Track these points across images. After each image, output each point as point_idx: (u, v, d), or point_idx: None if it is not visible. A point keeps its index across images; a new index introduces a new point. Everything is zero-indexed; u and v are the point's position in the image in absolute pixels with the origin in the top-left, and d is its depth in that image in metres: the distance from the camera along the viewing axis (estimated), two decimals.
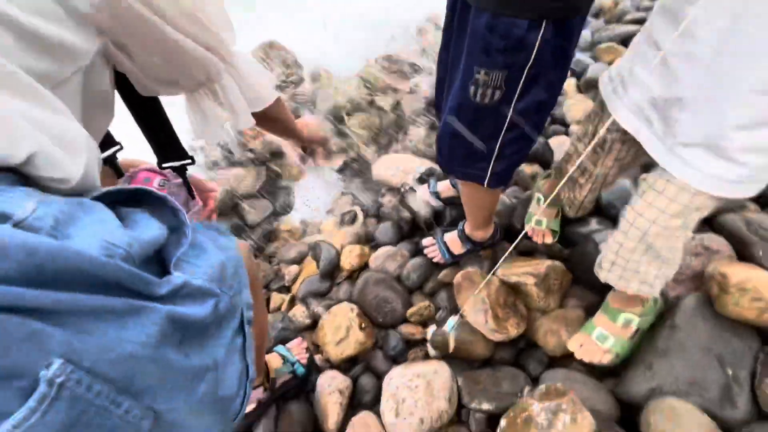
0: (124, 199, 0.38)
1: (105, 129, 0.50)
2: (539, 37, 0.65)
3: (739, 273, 0.74)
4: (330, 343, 1.03)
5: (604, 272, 0.75)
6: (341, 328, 1.04)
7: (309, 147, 0.93)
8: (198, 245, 0.40)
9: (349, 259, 1.26)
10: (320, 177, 1.77)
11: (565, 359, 0.88)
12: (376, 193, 1.62)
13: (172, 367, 0.32)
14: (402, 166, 1.57)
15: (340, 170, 1.75)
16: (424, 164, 1.53)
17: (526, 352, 0.95)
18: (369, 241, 1.39)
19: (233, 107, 0.55)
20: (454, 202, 1.29)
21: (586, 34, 1.93)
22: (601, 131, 0.69)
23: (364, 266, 1.27)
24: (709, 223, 0.98)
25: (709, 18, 0.50)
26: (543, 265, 0.96)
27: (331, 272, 1.29)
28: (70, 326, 0.26)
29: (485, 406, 0.83)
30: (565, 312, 0.93)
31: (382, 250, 1.26)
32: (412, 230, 1.33)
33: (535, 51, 0.67)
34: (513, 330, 0.92)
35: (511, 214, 1.21)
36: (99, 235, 0.29)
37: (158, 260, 0.36)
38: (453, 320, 0.88)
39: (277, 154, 1.73)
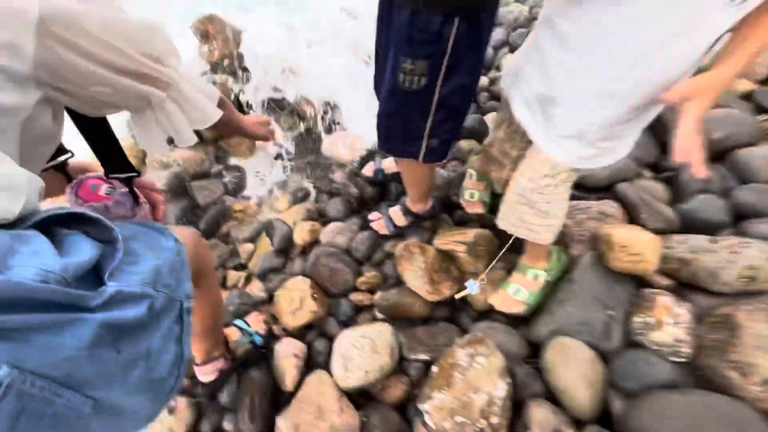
0: (63, 219, 0.43)
1: (51, 153, 0.53)
2: (453, 30, 0.74)
3: (620, 233, 0.90)
4: (286, 313, 1.12)
5: (501, 222, 0.89)
6: (295, 300, 1.13)
7: (256, 140, 0.97)
8: (133, 253, 0.46)
9: (301, 235, 1.33)
10: (270, 154, 1.78)
11: (491, 313, 1.03)
12: (327, 169, 1.68)
13: (105, 362, 0.40)
14: (351, 143, 1.63)
15: (291, 147, 1.77)
16: (370, 141, 1.60)
17: (459, 309, 1.09)
18: (321, 216, 1.47)
19: (175, 128, 0.58)
20: (398, 178, 1.38)
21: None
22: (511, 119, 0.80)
23: (316, 241, 1.34)
24: (609, 190, 1.15)
25: (572, 32, 0.60)
26: (471, 233, 1.09)
27: (285, 248, 1.36)
28: (14, 340, 0.34)
29: (422, 357, 0.97)
30: (491, 273, 1.08)
31: (333, 225, 1.34)
32: (360, 205, 1.42)
33: (451, 42, 0.75)
34: (447, 291, 1.06)
35: (449, 187, 1.33)
36: (35, 264, 0.35)
37: (96, 274, 0.42)
38: (474, 283, 0.99)
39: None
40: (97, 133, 0.55)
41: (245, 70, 1.81)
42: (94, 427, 0.40)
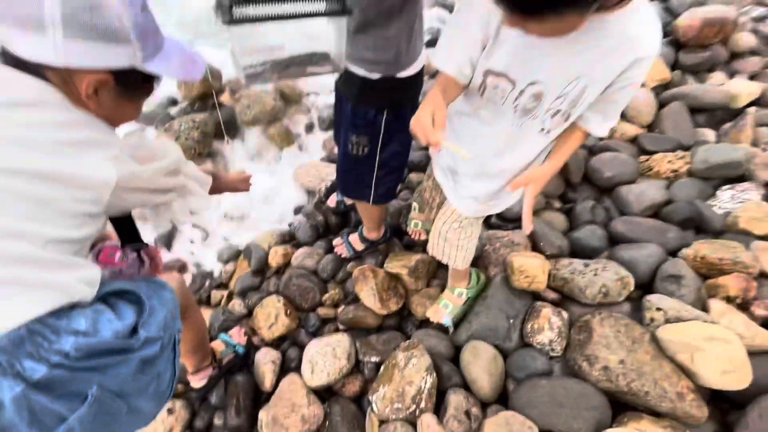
0: (115, 292, 0.67)
1: None
2: (384, 118, 1.01)
3: (519, 260, 1.19)
4: (263, 327, 1.36)
5: (430, 250, 1.16)
6: (271, 316, 1.37)
7: (240, 190, 1.19)
8: (152, 310, 0.70)
9: (275, 258, 1.57)
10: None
11: (428, 322, 1.31)
12: (295, 195, 1.91)
13: (138, 381, 0.65)
14: (318, 173, 1.87)
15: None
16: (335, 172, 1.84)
17: (404, 319, 1.37)
18: (292, 238, 1.70)
19: (180, 211, 0.82)
20: (356, 208, 1.64)
21: None
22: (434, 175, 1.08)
23: (288, 263, 1.58)
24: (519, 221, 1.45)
25: (461, 129, 0.88)
26: (413, 259, 1.36)
27: (262, 269, 1.59)
28: (100, 372, 0.59)
29: (374, 359, 1.23)
30: (428, 290, 1.36)
31: (302, 250, 1.58)
32: (325, 231, 1.67)
33: (383, 126, 1.02)
34: (394, 306, 1.33)
35: (400, 216, 1.60)
36: (110, 328, 0.60)
37: (134, 327, 0.66)
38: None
39: (203, 162, 1.91)
40: (120, 217, 0.78)
41: (221, 105, 2.00)
42: (125, 421, 0.65)
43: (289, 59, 0.72)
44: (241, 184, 1.09)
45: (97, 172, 0.59)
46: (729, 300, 1.13)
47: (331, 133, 2.10)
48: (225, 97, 2.05)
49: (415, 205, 1.49)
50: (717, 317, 1.07)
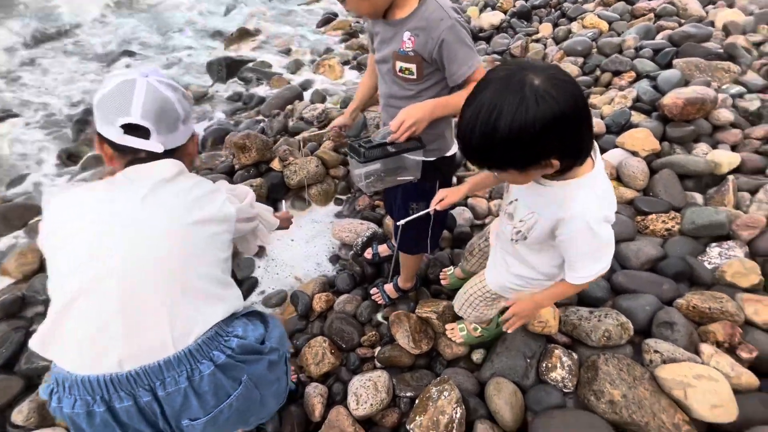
0: (250, 312, 0.94)
1: None
2: (437, 186, 1.28)
3: None
4: (311, 365, 1.57)
5: (456, 310, 1.37)
6: (318, 354, 1.58)
7: (283, 227, 1.50)
8: (272, 327, 0.96)
9: (319, 304, 1.81)
10: (287, 234, 2.28)
11: (455, 361, 1.51)
12: (334, 248, 2.18)
13: (267, 377, 0.91)
14: (354, 229, 2.15)
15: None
16: (369, 228, 2.12)
17: (433, 359, 1.56)
18: (331, 287, 1.95)
19: (261, 238, 1.14)
20: (388, 259, 1.90)
21: None
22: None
23: (330, 307, 1.82)
24: None
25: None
26: (441, 305, 1.59)
27: (306, 314, 1.82)
28: (248, 364, 0.86)
29: (408, 394, 1.42)
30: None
31: (342, 297, 1.82)
32: (362, 280, 1.91)
33: (436, 191, 1.30)
34: (425, 346, 1.53)
35: (427, 269, 1.84)
36: (253, 336, 0.87)
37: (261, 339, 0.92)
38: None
39: None
40: None
41: (271, 170, 2.36)
42: (256, 409, 0.91)
43: (385, 172, 1.09)
44: (284, 222, 1.39)
45: (225, 210, 0.89)
46: (718, 344, 1.31)
47: (361, 193, 2.41)
48: (275, 164, 2.41)
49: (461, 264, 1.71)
50: (707, 359, 1.25)
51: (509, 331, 1.14)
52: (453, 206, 1.48)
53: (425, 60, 1.07)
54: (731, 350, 1.29)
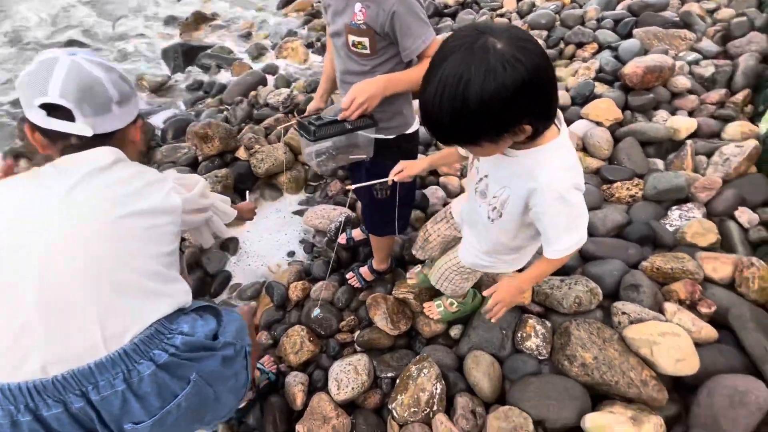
0: (202, 307, 0.90)
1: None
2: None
3: None
4: (290, 354, 1.55)
5: (434, 284, 1.37)
6: (296, 343, 1.56)
7: (246, 218, 1.45)
8: (227, 322, 0.93)
9: (295, 292, 1.78)
10: (259, 225, 2.22)
11: (434, 338, 1.52)
12: (308, 235, 2.14)
13: (221, 374, 0.87)
14: (327, 215, 2.12)
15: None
16: (342, 213, 2.09)
17: (413, 338, 1.57)
18: (307, 275, 1.92)
19: (216, 228, 1.09)
20: (363, 243, 1.88)
21: None
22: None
23: (307, 296, 1.79)
24: None
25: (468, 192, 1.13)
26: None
27: (283, 304, 1.79)
28: (197, 362, 0.81)
29: (390, 375, 1.43)
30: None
31: (319, 283, 1.80)
32: (338, 266, 1.89)
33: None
34: (404, 326, 1.54)
35: (402, 249, 1.83)
36: (202, 332, 0.83)
37: (214, 334, 0.89)
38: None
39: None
40: None
41: (237, 159, 2.27)
42: (211, 407, 0.87)
43: (337, 150, 1.05)
44: (248, 213, 1.34)
45: (170, 201, 0.85)
46: (680, 302, 1.37)
47: (334, 179, 2.37)
48: (240, 153, 2.32)
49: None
50: (670, 316, 1.31)
51: (493, 321, 1.11)
52: (415, 184, 1.44)
53: (377, 33, 1.03)
54: (692, 307, 1.35)
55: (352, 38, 1.06)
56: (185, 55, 3.74)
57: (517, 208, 0.86)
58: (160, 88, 3.45)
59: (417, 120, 1.29)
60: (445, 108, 0.62)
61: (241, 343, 0.94)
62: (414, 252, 1.48)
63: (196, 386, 0.79)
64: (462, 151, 1.05)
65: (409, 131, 1.27)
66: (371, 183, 1.18)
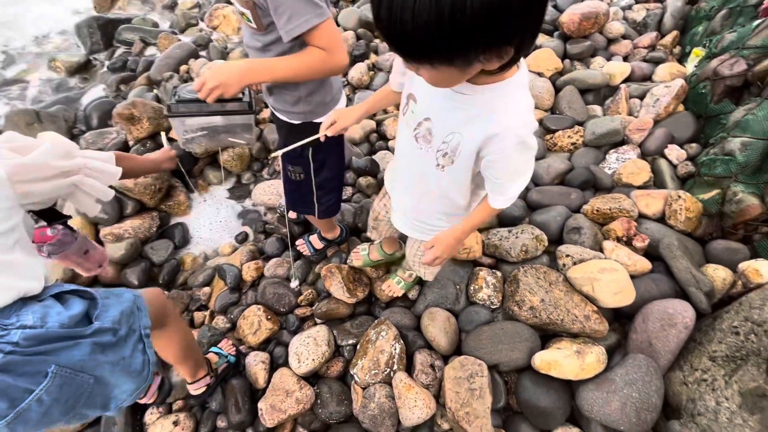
0: (68, 291, 0.83)
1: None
2: (309, 154, 1.18)
3: None
4: (248, 335, 1.51)
5: (415, 271, 1.33)
6: (254, 323, 1.52)
7: (164, 169, 1.30)
8: (107, 306, 0.86)
9: (249, 273, 1.72)
10: (206, 208, 2.11)
11: (392, 302, 1.53)
12: (258, 213, 2.06)
13: (98, 360, 0.80)
14: (276, 191, 2.03)
15: (226, 195, 2.12)
16: None
17: (372, 304, 1.58)
18: (261, 254, 1.86)
19: (96, 192, 0.95)
20: None
21: None
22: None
23: (261, 275, 1.74)
24: None
25: (398, 140, 1.03)
26: None
27: (237, 286, 1.73)
28: (54, 355, 0.73)
29: (350, 342, 1.43)
30: (388, 276, 1.58)
31: (272, 261, 1.74)
32: (292, 240, 1.84)
33: (310, 159, 1.20)
34: (361, 294, 1.53)
35: (355, 217, 1.80)
36: (57, 320, 0.75)
37: (88, 317, 0.82)
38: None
39: (164, 197, 2.02)
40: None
41: (172, 140, 2.11)
42: (97, 390, 0.80)
43: (215, 130, 0.96)
44: (166, 163, 1.23)
45: None
46: (618, 239, 1.44)
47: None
48: (174, 133, 2.16)
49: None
50: (609, 254, 1.38)
51: (430, 279, 1.07)
52: (342, 167, 1.29)
53: (258, 6, 0.89)
54: (629, 242, 1.43)
55: (239, 7, 0.93)
56: (103, 30, 3.36)
57: (468, 158, 0.77)
58: (79, 70, 3.11)
59: (330, 112, 1.11)
60: (444, 6, 0.47)
61: (127, 328, 0.87)
62: (369, 235, 1.43)
63: (60, 378, 0.73)
64: (397, 86, 0.93)
65: (318, 120, 1.11)
66: (299, 144, 1.04)
